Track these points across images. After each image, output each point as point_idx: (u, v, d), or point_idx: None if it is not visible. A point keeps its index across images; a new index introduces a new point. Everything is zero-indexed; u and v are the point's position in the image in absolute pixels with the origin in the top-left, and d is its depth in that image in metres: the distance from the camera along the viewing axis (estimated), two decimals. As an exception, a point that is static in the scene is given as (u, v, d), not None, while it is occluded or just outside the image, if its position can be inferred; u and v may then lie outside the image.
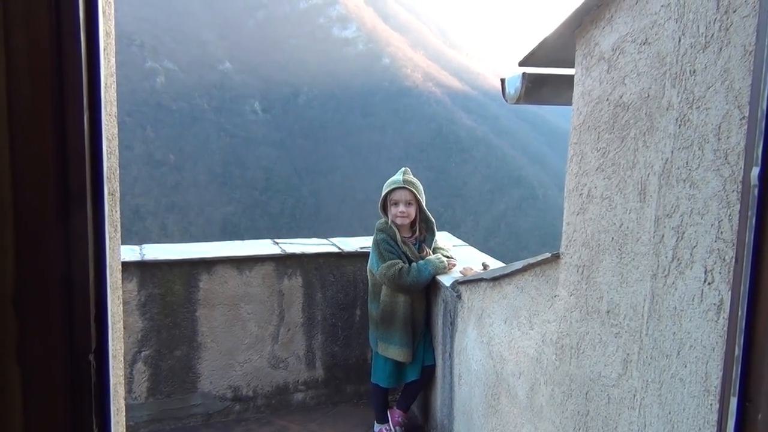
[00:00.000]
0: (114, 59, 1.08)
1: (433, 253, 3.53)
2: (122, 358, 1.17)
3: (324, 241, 4.26)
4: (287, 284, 3.86)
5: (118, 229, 1.11)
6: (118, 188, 1.11)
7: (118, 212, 1.11)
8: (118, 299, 1.14)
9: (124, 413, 1.23)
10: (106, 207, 0.84)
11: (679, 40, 1.39)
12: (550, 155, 69.59)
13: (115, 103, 1.10)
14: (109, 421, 0.85)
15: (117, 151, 1.10)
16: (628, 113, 1.59)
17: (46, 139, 0.73)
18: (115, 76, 1.10)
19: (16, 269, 0.73)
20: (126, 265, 3.46)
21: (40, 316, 0.75)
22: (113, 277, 1.04)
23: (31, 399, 0.76)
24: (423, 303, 3.52)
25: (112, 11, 1.06)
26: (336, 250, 4.01)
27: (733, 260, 1.19)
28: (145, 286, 3.55)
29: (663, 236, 1.45)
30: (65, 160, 0.74)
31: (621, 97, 1.62)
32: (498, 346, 2.58)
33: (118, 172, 1.11)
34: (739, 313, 1.01)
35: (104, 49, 0.93)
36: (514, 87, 2.23)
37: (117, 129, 1.10)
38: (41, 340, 0.75)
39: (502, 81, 2.30)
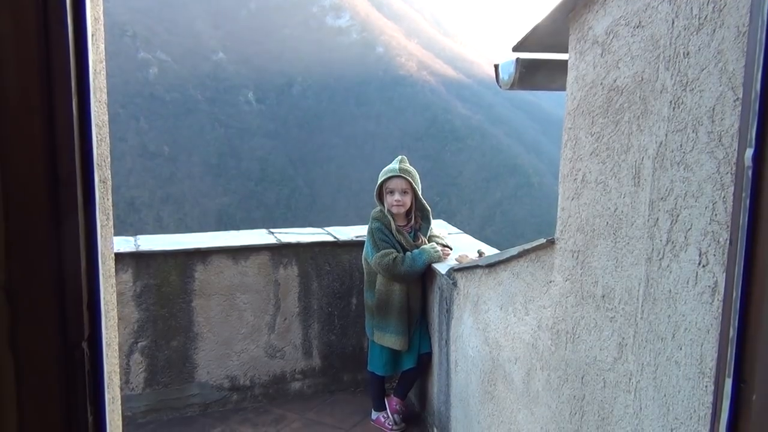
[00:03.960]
0: (103, 45, 1.07)
1: (429, 242, 3.53)
2: (117, 347, 1.16)
3: (319, 230, 4.25)
4: (283, 274, 3.86)
5: (111, 217, 1.11)
6: (109, 176, 1.10)
7: (110, 200, 1.11)
8: (111, 287, 1.13)
9: (119, 402, 1.23)
10: (97, 194, 0.83)
11: (673, 23, 1.39)
12: (546, 143, 69.59)
13: (105, 90, 1.09)
14: (104, 409, 0.85)
15: (108, 138, 1.10)
16: (622, 97, 1.59)
17: (34, 124, 0.72)
18: (104, 63, 1.09)
19: (6, 256, 0.72)
20: (121, 256, 3.45)
21: (31, 303, 0.74)
22: (106, 265, 1.04)
23: (24, 386, 0.75)
24: (419, 291, 3.52)
25: (101, -4, 1.05)
26: (331, 239, 4.00)
27: (728, 242, 1.19)
28: (141, 277, 3.54)
29: (657, 220, 1.45)
30: (54, 146, 0.74)
31: (615, 80, 1.62)
32: (494, 333, 2.58)
33: (109, 159, 1.10)
34: (734, 294, 1.01)
35: (92, 35, 0.92)
36: (507, 73, 2.22)
37: (107, 116, 1.09)
38: (33, 327, 0.75)
39: (496, 67, 2.29)
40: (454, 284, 3.11)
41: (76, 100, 0.76)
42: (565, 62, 1.92)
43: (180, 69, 63.20)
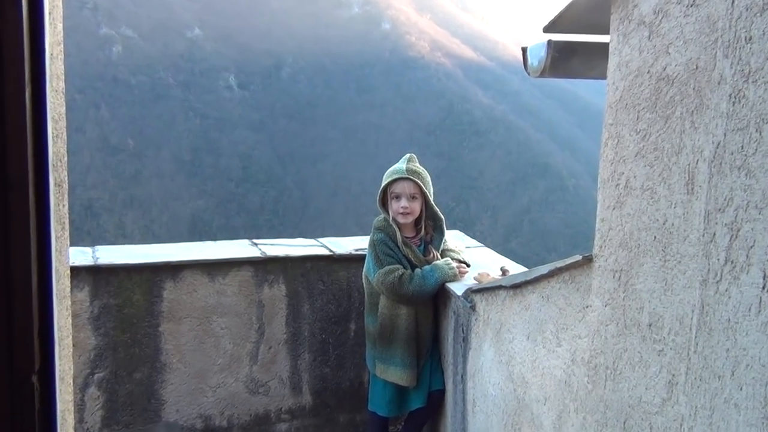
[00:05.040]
0: (61, 25, 1.09)
1: (442, 257, 3.54)
2: (71, 381, 1.17)
3: (312, 241, 4.26)
4: (268, 293, 3.87)
5: (66, 226, 1.12)
6: (66, 178, 1.11)
7: (67, 207, 1.12)
8: (66, 310, 1.14)
9: (74, 446, 1.24)
10: (52, 200, 0.84)
11: (733, 2, 1.40)
12: (582, 139, 69.50)
13: (63, 77, 1.10)
14: (56, 455, 0.86)
15: (65, 134, 1.11)
16: (672, 88, 1.60)
17: (-19, 119, 0.74)
18: (62, 45, 1.10)
19: (-55, 274, 0.73)
20: (76, 271, 3.46)
21: (-26, 329, 0.75)
22: (60, 283, 1.05)
23: (-37, 427, 0.76)
24: (429, 316, 3.52)
25: (59, -32, 1.06)
26: (326, 252, 4.01)
27: (797, 263, 1.20)
28: (99, 296, 3.55)
29: (714, 235, 1.45)
30: (3, 145, 0.75)
31: (664, 69, 1.63)
32: (519, 367, 2.58)
33: (66, 159, 1.11)
34: (804, 325, 1.01)
35: (50, 13, 0.94)
36: (537, 57, 2.23)
37: (65, 108, 1.11)
38: (-25, 357, 0.76)
39: (524, 50, 2.30)
40: (473, 308, 3.12)
41: (30, 90, 0.77)
42: (605, 46, 1.94)
43: (148, 47, 63.45)
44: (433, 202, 3.48)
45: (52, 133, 0.92)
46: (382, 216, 3.49)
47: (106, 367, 3.62)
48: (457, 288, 3.33)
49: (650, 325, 1.70)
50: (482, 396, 3.01)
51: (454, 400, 3.43)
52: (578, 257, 2.05)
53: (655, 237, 1.67)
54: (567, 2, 2.02)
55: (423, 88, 68.65)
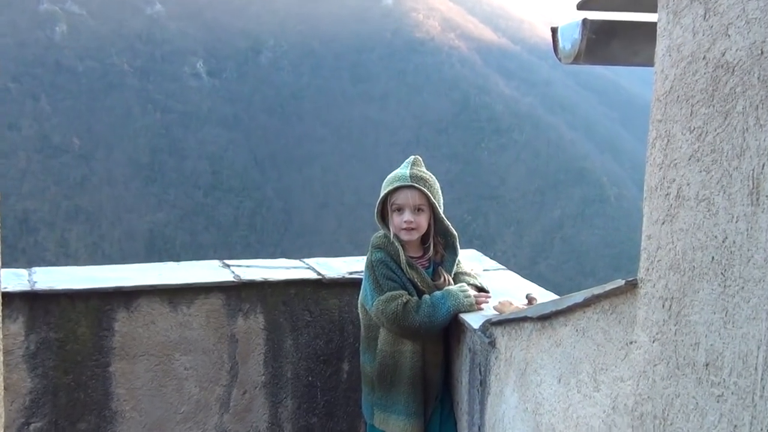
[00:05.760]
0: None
1: (455, 281, 3.54)
2: (2, 430, 1.18)
3: (297, 263, 4.26)
4: (243, 326, 3.87)
5: (-2, 243, 1.12)
6: (-3, 185, 1.12)
7: (-2, 219, 1.12)
8: (-4, 345, 1.15)
9: None
10: (-20, 211, 0.85)
11: (807, -27, 1.41)
12: (626, 139, 69.67)
13: (-6, 62, 1.11)
14: None
15: (-4, 131, 1.11)
16: (733, 77, 1.60)
17: None
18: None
19: None
20: (8, 298, 3.46)
21: None
22: (-10, 312, 1.06)
23: None
24: (440, 353, 3.52)
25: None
26: (314, 276, 4.01)
27: None
28: (37, 329, 3.55)
29: (785, 255, 1.46)
30: None
31: (723, 54, 1.63)
32: (549, 416, 2.58)
33: (-3, 161, 1.12)
34: None
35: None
36: (570, 40, 2.24)
37: (-4, 100, 1.11)
38: None
39: (554, 31, 2.31)
40: (492, 344, 3.12)
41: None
42: (652, 26, 1.95)
43: (99, 27, 63.77)
44: (443, 215, 3.48)
45: (-19, 130, 0.93)
46: (381, 232, 3.49)
47: (45, 415, 3.61)
48: (474, 320, 3.32)
49: (707, 365, 1.70)
50: (504, 452, 3.01)
51: (469, 457, 3.43)
52: (620, 282, 2.06)
53: (712, 257, 1.67)
54: (606, -27, 2.03)
55: (432, 76, 68.82)
